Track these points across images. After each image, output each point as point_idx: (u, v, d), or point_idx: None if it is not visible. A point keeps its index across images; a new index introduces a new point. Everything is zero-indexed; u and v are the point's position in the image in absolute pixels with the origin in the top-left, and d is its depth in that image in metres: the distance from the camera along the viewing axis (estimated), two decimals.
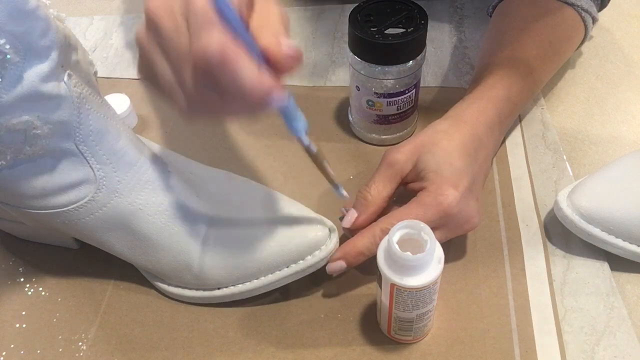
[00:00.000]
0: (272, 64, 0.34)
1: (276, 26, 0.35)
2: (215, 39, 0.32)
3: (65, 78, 0.41)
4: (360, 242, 0.47)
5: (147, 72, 0.37)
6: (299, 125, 0.39)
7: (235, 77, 0.32)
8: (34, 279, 0.52)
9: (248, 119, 0.38)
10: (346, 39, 0.56)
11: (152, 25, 0.35)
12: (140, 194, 0.45)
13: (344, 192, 0.46)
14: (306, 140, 0.40)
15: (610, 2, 0.64)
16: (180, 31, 0.34)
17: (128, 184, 0.45)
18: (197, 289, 0.48)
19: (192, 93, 0.35)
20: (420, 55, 0.55)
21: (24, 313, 0.50)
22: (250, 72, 0.32)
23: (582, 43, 0.63)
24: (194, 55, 0.33)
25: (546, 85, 0.63)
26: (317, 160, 0.43)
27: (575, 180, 0.56)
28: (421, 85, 0.59)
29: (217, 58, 0.32)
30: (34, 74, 0.38)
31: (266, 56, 0.34)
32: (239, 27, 0.34)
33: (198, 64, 0.33)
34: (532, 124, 0.62)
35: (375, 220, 0.49)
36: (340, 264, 0.47)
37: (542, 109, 0.64)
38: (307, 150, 0.41)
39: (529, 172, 0.58)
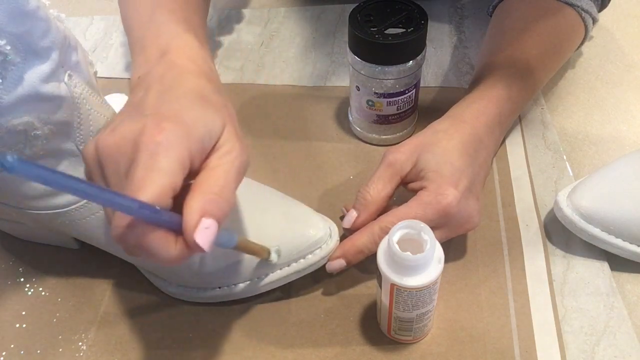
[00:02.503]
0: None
1: (211, 193, 0.34)
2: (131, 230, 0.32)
3: (66, 78, 0.41)
4: (359, 241, 0.47)
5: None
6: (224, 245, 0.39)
7: (150, 255, 0.33)
8: (34, 279, 0.52)
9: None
10: (346, 39, 0.56)
11: (100, 162, 0.35)
12: None
13: (275, 258, 0.46)
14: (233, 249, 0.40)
15: (610, 2, 0.64)
16: (119, 186, 0.34)
17: None
18: (197, 288, 0.48)
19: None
20: (420, 55, 0.55)
21: (24, 313, 0.50)
22: (164, 253, 0.33)
23: (582, 43, 0.63)
24: (112, 228, 0.33)
25: (546, 85, 0.63)
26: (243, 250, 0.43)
27: (575, 180, 0.56)
28: (421, 85, 0.59)
29: (133, 243, 0.33)
30: (34, 75, 0.38)
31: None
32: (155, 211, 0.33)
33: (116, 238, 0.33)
34: (532, 124, 0.62)
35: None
36: (340, 262, 0.47)
37: (542, 109, 0.64)
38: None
39: (529, 172, 0.58)
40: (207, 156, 0.36)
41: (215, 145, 0.37)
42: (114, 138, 0.35)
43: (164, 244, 0.33)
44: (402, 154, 0.49)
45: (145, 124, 0.35)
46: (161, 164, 0.33)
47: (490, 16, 0.65)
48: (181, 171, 0.34)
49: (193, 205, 0.33)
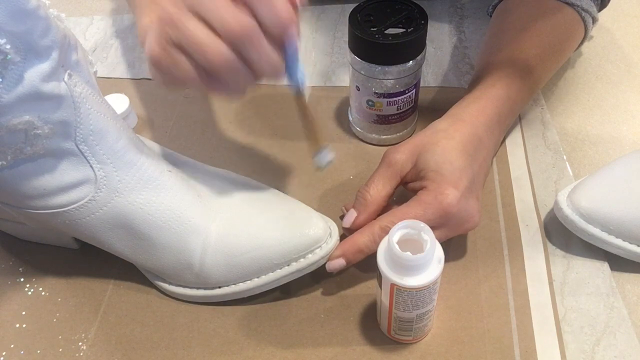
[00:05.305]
0: None
1: None
2: None
3: (66, 78, 0.41)
4: (359, 240, 0.47)
5: (171, 79, 0.41)
6: (298, 73, 0.42)
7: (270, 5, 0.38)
8: (34, 279, 0.52)
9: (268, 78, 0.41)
10: (346, 39, 0.56)
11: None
12: (141, 193, 0.45)
13: (328, 158, 0.47)
14: (305, 91, 0.43)
15: (610, 2, 0.64)
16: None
17: (129, 184, 0.45)
18: (197, 288, 0.49)
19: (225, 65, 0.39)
20: (420, 55, 0.55)
21: (24, 313, 0.50)
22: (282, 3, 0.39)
23: (581, 43, 0.63)
24: None
25: (546, 85, 0.63)
26: (305, 113, 0.44)
27: (575, 180, 0.56)
28: (421, 85, 0.59)
29: None
30: (34, 74, 0.38)
31: None
32: None
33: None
34: (532, 124, 0.62)
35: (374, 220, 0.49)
36: (340, 262, 0.47)
37: (542, 109, 0.64)
38: (301, 102, 0.44)
39: (529, 172, 0.58)
40: None
41: None
42: None
43: None
44: (402, 154, 0.49)
45: None
46: None
47: (490, 16, 0.65)
48: None
49: None
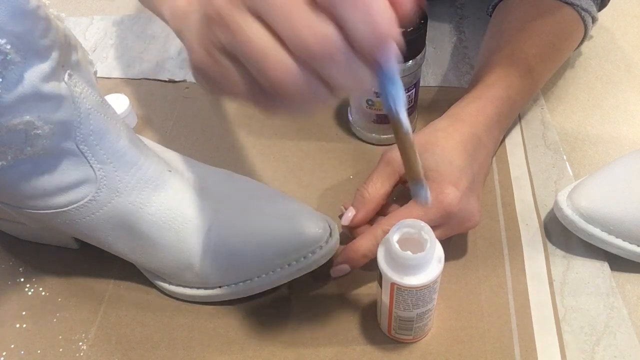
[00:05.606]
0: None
1: None
2: None
3: (66, 78, 0.41)
4: (363, 245, 0.47)
5: (218, 89, 0.33)
6: (399, 94, 0.32)
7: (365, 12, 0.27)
8: (34, 279, 0.52)
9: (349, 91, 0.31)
10: None
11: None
12: (141, 193, 0.45)
13: (428, 195, 0.36)
14: (404, 117, 0.32)
15: (610, 2, 0.64)
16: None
17: (129, 184, 0.45)
18: (198, 288, 0.49)
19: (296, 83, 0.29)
20: (420, 55, 0.55)
21: (24, 313, 0.50)
22: (380, 5, 0.27)
23: (581, 42, 0.63)
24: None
25: (546, 85, 0.63)
26: (406, 145, 0.34)
27: (575, 180, 0.56)
28: (421, 85, 0.59)
29: None
30: (34, 74, 0.38)
31: None
32: None
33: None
34: (532, 124, 0.62)
35: (373, 217, 0.49)
36: (345, 268, 0.47)
37: (542, 109, 0.64)
38: (397, 129, 0.33)
39: (529, 172, 0.58)
40: None
41: None
42: None
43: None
44: None
45: None
46: None
47: (490, 16, 0.65)
48: None
49: None
